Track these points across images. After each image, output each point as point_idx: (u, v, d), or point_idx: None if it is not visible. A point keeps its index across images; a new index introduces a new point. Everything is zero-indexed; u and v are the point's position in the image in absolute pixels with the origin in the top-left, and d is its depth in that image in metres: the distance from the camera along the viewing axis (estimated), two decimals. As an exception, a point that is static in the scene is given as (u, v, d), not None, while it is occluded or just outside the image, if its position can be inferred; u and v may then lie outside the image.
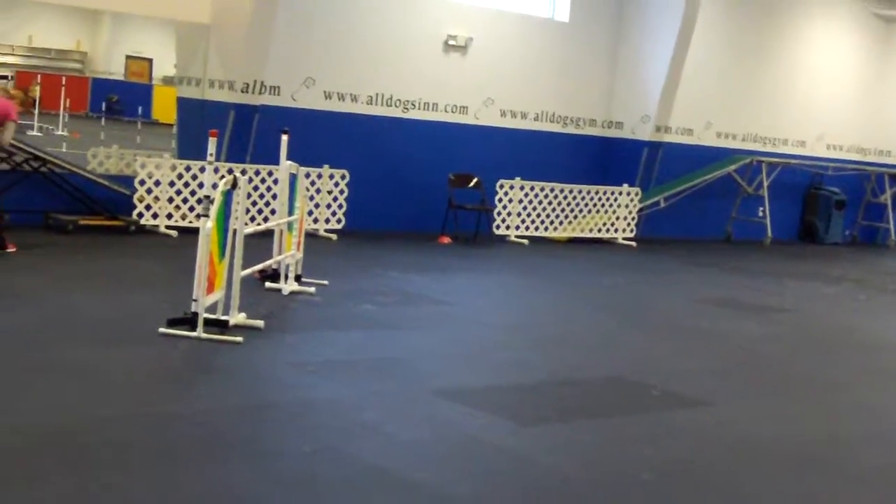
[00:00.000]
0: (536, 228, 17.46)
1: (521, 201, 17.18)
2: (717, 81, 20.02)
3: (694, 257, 17.55)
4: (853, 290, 15.43)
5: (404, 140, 16.63)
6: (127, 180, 14.10)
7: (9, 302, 9.50)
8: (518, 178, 17.08)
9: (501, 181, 16.92)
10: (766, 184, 20.28)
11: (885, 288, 16.16)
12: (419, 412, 7.12)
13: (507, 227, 17.10)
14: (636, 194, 18.33)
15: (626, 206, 18.26)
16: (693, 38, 18.90)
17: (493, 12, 17.61)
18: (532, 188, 17.28)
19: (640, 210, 18.54)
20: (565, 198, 17.69)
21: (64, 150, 20.93)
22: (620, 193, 18.19)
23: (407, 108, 16.74)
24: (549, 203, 17.54)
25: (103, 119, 33.49)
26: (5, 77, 36.88)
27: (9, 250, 11.39)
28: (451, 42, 17.01)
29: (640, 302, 13.02)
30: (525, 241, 17.01)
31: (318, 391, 7.42)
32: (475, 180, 16.79)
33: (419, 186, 16.61)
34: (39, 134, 25.96)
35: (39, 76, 33.18)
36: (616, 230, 18.22)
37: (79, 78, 39.09)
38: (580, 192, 17.86)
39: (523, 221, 17.28)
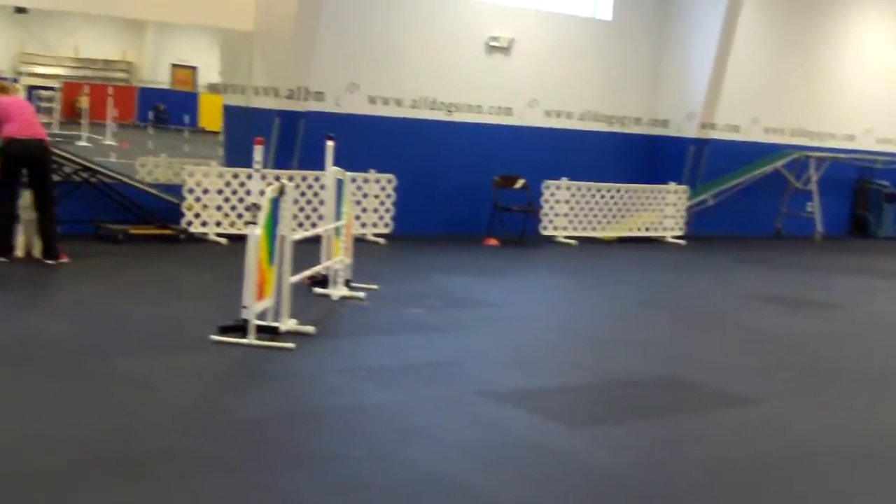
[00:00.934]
0: (584, 228, 17.43)
1: (567, 201, 17.17)
2: (763, 76, 19.90)
3: (744, 254, 17.45)
4: (906, 285, 15.29)
5: (449, 143, 16.66)
6: (175, 189, 14.24)
7: (62, 311, 9.65)
8: (564, 179, 17.06)
9: (547, 182, 16.91)
10: (814, 179, 20.12)
11: (939, 281, 15.99)
12: (469, 415, 7.15)
13: (555, 228, 17.09)
14: (683, 192, 18.26)
15: (674, 204, 18.19)
16: (737, 33, 18.80)
17: (534, 13, 17.62)
18: (578, 188, 17.26)
19: (689, 208, 18.46)
20: (612, 197, 17.66)
21: (113, 159, 21.13)
22: (668, 192, 18.13)
23: (451, 111, 16.77)
24: (597, 203, 17.51)
25: (150, 128, 33.75)
26: (52, 88, 37.30)
27: (61, 260, 11.54)
28: (494, 43, 17.03)
29: (691, 300, 12.97)
30: (573, 242, 16.99)
31: (368, 396, 7.46)
32: (521, 182, 16.79)
33: (465, 189, 16.63)
34: (88, 144, 26.21)
35: (87, 86, 33.47)
36: (664, 228, 18.16)
37: (125, 87, 39.42)
38: (627, 191, 17.82)
39: (570, 222, 17.26)
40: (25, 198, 11.69)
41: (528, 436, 6.76)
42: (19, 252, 11.61)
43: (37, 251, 11.64)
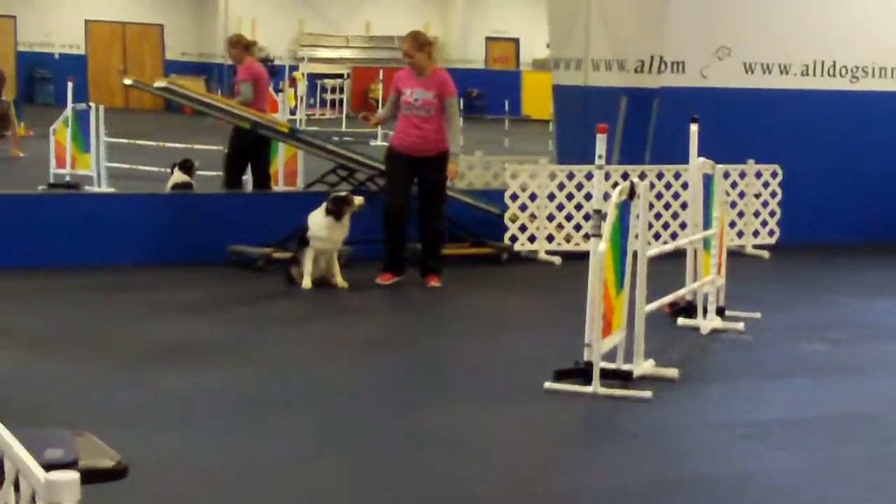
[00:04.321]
0: None
1: None
2: None
3: None
4: None
5: (855, 120, 16.21)
6: (495, 195, 14.48)
7: (362, 351, 10.02)
8: None
9: None
10: None
11: None
12: (896, 485, 6.93)
13: None
14: None
15: None
16: None
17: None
18: None
19: None
20: None
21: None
22: None
23: (856, 78, 16.33)
24: None
25: (462, 119, 34.61)
26: (340, 76, 38.95)
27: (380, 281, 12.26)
28: (916, -18, 16.50)
29: None
30: None
31: (756, 461, 7.36)
32: (963, 167, 16.19)
33: (880, 181, 16.13)
34: (385, 143, 27.15)
35: (381, 71, 34.65)
36: None
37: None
38: None
39: None
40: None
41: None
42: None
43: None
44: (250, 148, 14.63)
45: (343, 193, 12.57)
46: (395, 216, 12.28)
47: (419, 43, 12.38)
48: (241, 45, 15.24)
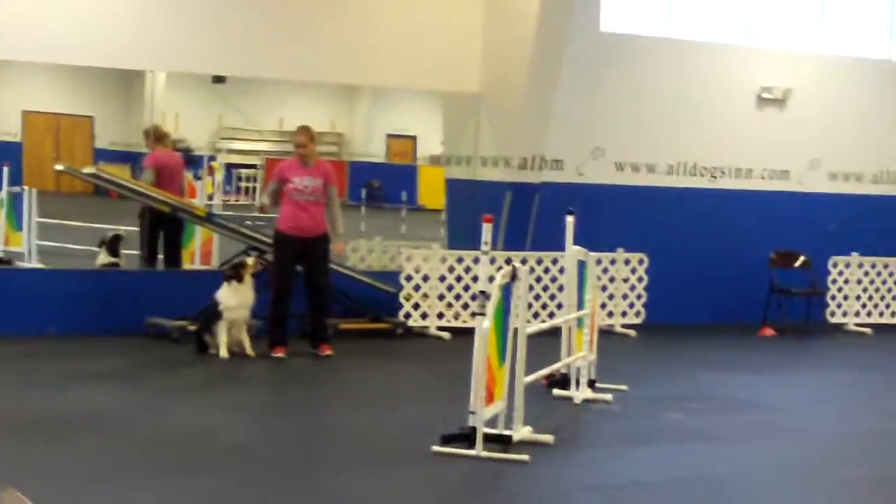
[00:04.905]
0: (881, 314, 16.87)
1: (860, 282, 16.68)
2: None
3: None
4: None
5: (713, 214, 16.44)
6: (392, 276, 14.51)
7: (256, 418, 9.91)
8: (856, 254, 16.60)
9: (835, 258, 16.49)
10: None
11: None
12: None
13: (845, 314, 16.61)
14: None
15: None
16: None
17: (815, 58, 17.28)
18: (874, 266, 16.75)
19: None
20: (917, 276, 17.08)
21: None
22: None
23: (715, 177, 16.58)
24: (897, 283, 16.98)
25: (363, 207, 34.61)
26: (254, 166, 38.83)
27: (276, 354, 12.18)
28: (766, 95, 16.78)
29: None
30: (867, 331, 16.47)
31: (620, 518, 7.37)
32: (802, 259, 16.42)
33: (733, 269, 16.34)
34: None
35: (292, 163, 34.65)
36: (985, 313, 17.41)
37: (335, 162, 40.57)
38: (936, 268, 17.19)
39: (864, 306, 16.75)
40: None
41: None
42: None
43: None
44: (163, 224, 14.56)
45: (236, 259, 12.71)
46: (285, 297, 12.39)
47: (311, 135, 12.57)
48: (153, 136, 15.49)
